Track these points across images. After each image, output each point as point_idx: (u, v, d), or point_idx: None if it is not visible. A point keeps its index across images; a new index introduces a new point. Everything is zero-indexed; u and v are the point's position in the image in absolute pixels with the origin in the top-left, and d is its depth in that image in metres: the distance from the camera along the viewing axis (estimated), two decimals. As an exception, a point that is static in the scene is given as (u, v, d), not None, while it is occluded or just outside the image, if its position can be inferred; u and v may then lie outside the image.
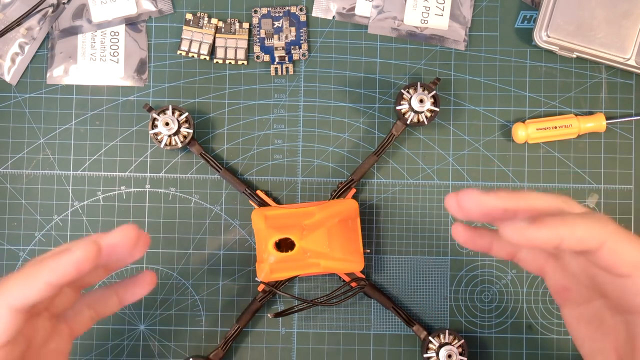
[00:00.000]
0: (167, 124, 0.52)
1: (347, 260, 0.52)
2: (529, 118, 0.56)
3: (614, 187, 0.56)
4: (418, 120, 0.53)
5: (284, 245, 0.52)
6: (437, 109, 0.53)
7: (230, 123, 0.56)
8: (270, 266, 0.51)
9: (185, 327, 0.55)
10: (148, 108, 0.53)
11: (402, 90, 0.53)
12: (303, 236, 0.51)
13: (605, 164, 0.56)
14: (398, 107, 0.53)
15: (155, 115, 0.52)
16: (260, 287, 0.53)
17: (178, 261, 0.56)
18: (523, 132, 0.55)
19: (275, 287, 0.53)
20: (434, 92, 0.53)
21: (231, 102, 0.56)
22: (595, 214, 0.38)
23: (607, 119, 0.55)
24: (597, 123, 0.55)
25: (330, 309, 0.55)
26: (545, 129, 0.55)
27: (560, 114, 0.56)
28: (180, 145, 0.53)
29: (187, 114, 0.53)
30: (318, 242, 0.51)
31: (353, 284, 0.53)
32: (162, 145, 0.53)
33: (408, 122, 0.53)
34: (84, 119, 0.56)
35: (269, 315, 0.53)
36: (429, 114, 0.53)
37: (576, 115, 0.56)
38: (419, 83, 0.53)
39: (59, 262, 0.37)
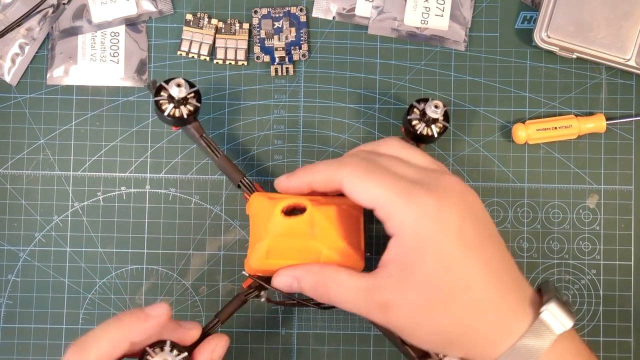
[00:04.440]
0: (178, 85, 0.48)
1: (348, 254, 0.47)
2: (529, 119, 0.56)
3: (614, 188, 0.56)
4: (427, 133, 0.51)
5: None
6: (447, 125, 0.51)
7: (230, 124, 0.56)
8: (269, 244, 0.45)
9: (185, 327, 0.55)
10: (153, 82, 0.50)
11: (414, 103, 0.51)
12: (314, 205, 0.46)
13: (606, 164, 0.56)
14: (409, 117, 0.51)
15: (163, 84, 0.49)
16: (246, 284, 0.49)
17: (178, 262, 0.56)
18: (523, 133, 0.55)
19: (265, 282, 0.48)
20: (445, 108, 0.51)
21: (231, 102, 0.56)
22: (341, 159, 0.44)
23: (607, 119, 0.55)
24: (597, 124, 0.55)
25: (330, 309, 0.55)
26: (545, 129, 0.55)
27: (561, 114, 0.56)
28: (185, 116, 0.49)
29: (197, 87, 0.49)
30: (327, 216, 0.46)
31: None
32: (165, 114, 0.48)
33: (417, 132, 0.51)
34: (84, 120, 0.56)
35: (262, 299, 0.49)
36: (440, 126, 0.51)
37: (576, 115, 0.56)
38: (430, 98, 0.52)
39: (144, 323, 0.41)
